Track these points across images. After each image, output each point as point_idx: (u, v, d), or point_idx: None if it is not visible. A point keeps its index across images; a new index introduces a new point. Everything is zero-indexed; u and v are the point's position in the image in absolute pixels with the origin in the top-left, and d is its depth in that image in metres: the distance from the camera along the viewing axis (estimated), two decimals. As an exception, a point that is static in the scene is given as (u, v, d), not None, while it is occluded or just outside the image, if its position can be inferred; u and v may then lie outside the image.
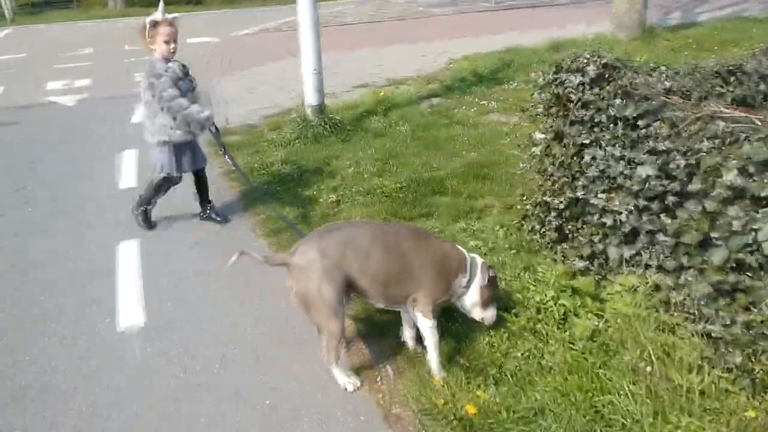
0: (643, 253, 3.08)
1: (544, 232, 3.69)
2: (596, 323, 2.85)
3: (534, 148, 3.56)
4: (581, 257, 3.32)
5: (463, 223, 4.54)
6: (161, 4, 4.20)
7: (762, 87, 3.94)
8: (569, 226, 3.47)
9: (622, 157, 3.14)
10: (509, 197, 4.96)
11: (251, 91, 8.83)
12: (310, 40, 6.40)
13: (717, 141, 2.79)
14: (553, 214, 3.51)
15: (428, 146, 6.18)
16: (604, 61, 3.31)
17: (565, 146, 3.42)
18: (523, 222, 4.06)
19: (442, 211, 4.76)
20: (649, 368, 2.66)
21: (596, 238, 3.28)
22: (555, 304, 3.00)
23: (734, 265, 2.61)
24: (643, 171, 3.03)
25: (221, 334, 3.41)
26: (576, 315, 2.94)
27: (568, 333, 2.90)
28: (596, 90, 3.29)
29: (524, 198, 3.87)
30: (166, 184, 4.59)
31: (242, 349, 3.27)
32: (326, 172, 5.61)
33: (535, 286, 3.16)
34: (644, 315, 2.79)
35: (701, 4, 14.35)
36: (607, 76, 3.31)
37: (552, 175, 3.49)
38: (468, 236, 4.34)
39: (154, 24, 4.14)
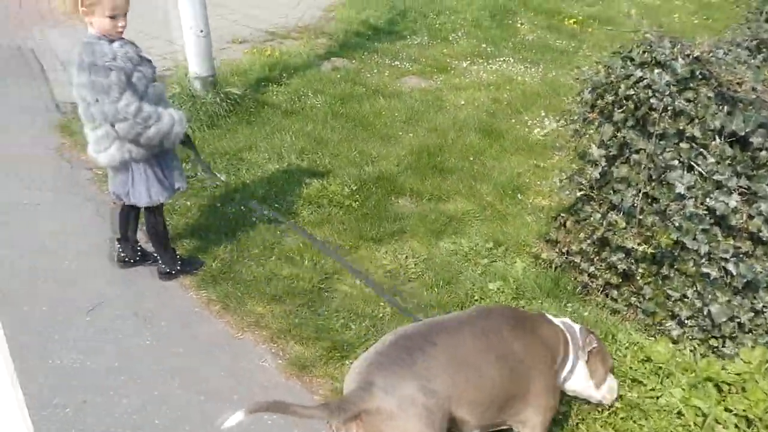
0: (766, 313, 2.39)
1: (593, 272, 2.88)
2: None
3: (590, 169, 2.69)
4: (673, 317, 2.57)
5: (448, 242, 3.64)
6: None
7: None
8: (640, 270, 2.68)
9: (733, 189, 2.38)
10: (478, 195, 4.13)
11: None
12: (194, -9, 4.89)
13: None
14: (619, 254, 2.70)
15: (356, 126, 5.09)
16: (695, 53, 2.47)
17: (637, 167, 2.58)
18: (543, 250, 3.23)
19: (414, 224, 3.79)
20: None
21: (690, 292, 2.54)
22: (686, 406, 2.22)
23: None
24: (769, 209, 2.30)
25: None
26: (718, 422, 2.18)
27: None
28: (689, 94, 2.47)
29: (564, 234, 3.00)
30: (161, 209, 3.22)
31: None
32: (242, 172, 4.32)
33: (647, 375, 2.35)
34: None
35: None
36: (698, 73, 2.49)
37: (617, 206, 2.65)
38: (463, 261, 3.45)
39: None
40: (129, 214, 3.28)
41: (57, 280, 3.26)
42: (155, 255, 3.29)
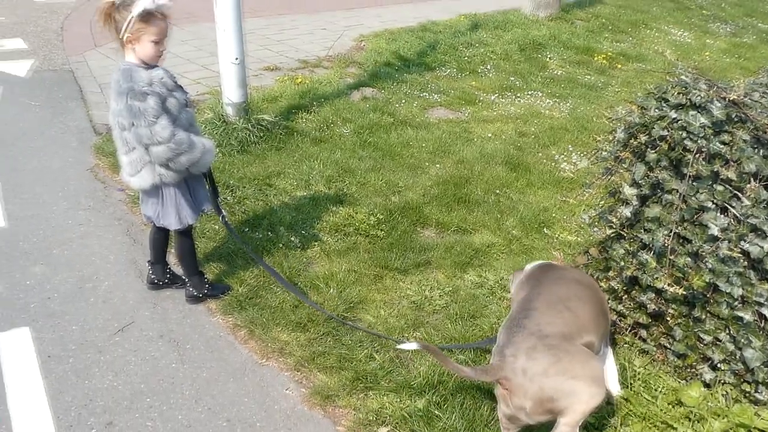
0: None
1: (622, 311, 2.85)
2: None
3: (622, 208, 2.68)
4: (705, 360, 2.52)
5: (474, 275, 3.63)
6: None
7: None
8: (671, 311, 2.65)
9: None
10: (502, 227, 4.12)
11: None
12: (231, 20, 5.00)
13: None
14: (650, 294, 2.67)
15: (383, 156, 5.13)
16: (732, 96, 2.47)
17: (669, 207, 2.56)
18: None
19: (439, 256, 3.79)
20: None
21: (723, 335, 2.50)
22: (718, 452, 2.18)
23: None
24: (808, 256, 2.27)
25: None
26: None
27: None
28: (725, 137, 2.46)
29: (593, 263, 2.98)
30: (190, 231, 3.26)
31: None
32: (271, 197, 4.37)
33: (678, 419, 2.31)
34: None
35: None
36: (734, 116, 2.48)
37: (647, 245, 2.63)
38: (489, 294, 3.44)
39: (144, 14, 2.72)
40: (160, 237, 3.33)
41: (88, 298, 3.32)
42: (184, 278, 3.33)
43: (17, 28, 8.63)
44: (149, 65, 2.87)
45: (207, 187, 3.19)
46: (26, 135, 5.30)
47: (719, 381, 2.50)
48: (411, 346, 2.33)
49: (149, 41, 2.78)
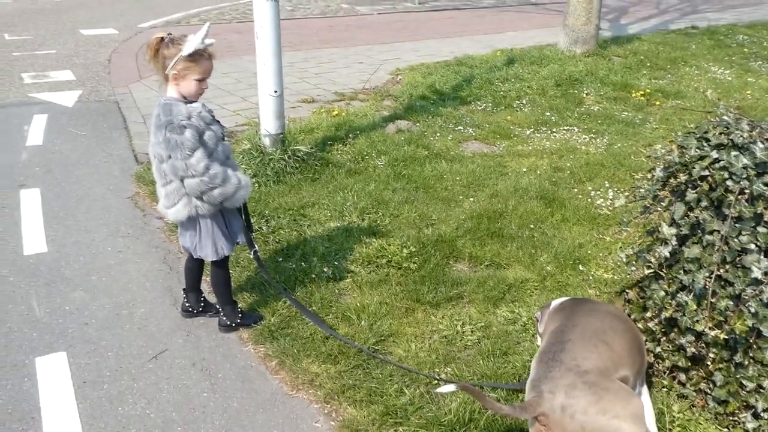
0: None
1: (660, 353, 2.78)
2: None
3: (660, 248, 2.63)
4: (748, 408, 2.43)
5: (506, 311, 3.58)
6: (207, 26, 2.88)
7: None
8: (711, 355, 2.57)
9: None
10: (536, 263, 4.07)
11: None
12: (271, 54, 5.13)
13: None
14: (689, 337, 2.60)
15: (417, 189, 5.14)
16: (775, 137, 2.43)
17: (710, 248, 2.50)
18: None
19: (472, 290, 3.75)
20: None
21: (767, 383, 2.41)
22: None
23: None
24: None
25: None
26: None
27: None
28: (768, 179, 2.41)
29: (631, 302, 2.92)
30: (225, 262, 3.31)
31: None
32: (305, 227, 4.41)
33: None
34: None
35: (622, 15, 14.27)
36: (778, 157, 2.43)
37: (687, 287, 2.57)
38: (522, 331, 3.39)
39: (191, 54, 2.83)
40: (195, 265, 3.38)
41: (124, 325, 3.37)
42: (217, 306, 3.36)
43: (66, 60, 8.98)
44: (188, 100, 2.95)
45: (242, 219, 3.23)
46: (71, 163, 5.47)
47: (762, 430, 2.41)
48: (449, 388, 2.29)
49: (194, 79, 2.87)
